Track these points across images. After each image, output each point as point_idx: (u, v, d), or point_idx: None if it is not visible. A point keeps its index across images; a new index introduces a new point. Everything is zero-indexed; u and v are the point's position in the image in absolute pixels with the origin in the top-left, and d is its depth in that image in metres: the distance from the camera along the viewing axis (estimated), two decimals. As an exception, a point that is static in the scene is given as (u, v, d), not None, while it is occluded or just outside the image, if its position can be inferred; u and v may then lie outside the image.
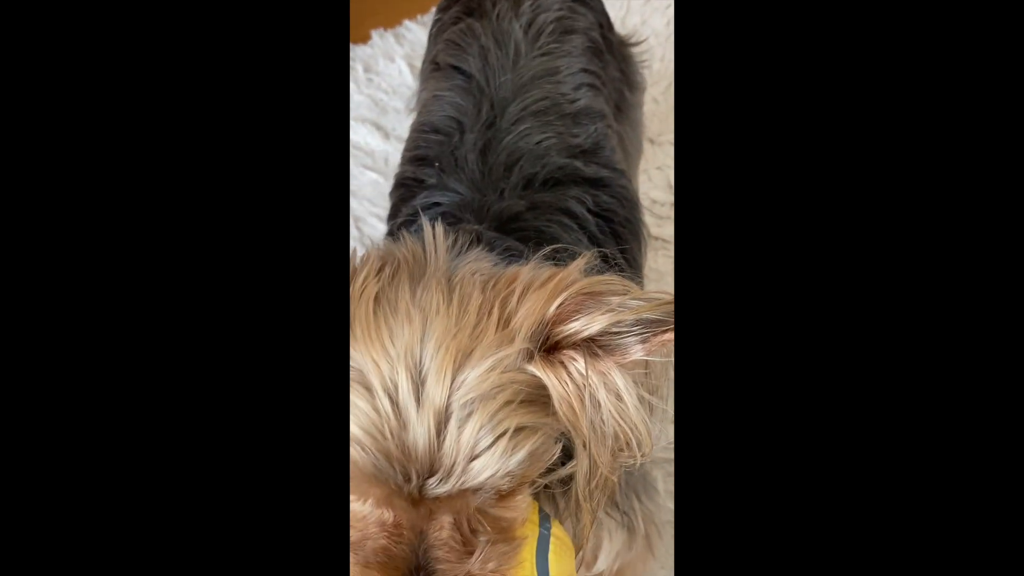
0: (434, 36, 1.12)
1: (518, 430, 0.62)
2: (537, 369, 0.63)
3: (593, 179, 0.96)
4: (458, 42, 1.05)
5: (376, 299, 0.64)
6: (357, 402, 0.61)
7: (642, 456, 0.66)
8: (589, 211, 0.93)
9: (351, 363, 0.62)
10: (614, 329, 0.62)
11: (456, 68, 1.03)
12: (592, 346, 0.63)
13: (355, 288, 0.64)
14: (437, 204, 0.91)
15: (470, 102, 0.99)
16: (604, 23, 1.12)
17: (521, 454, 0.62)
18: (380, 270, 0.66)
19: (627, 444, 0.65)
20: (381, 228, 1.50)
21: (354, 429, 0.61)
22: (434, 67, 1.07)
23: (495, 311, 0.64)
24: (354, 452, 0.61)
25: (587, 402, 0.63)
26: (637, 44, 1.17)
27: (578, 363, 0.63)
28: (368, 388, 0.61)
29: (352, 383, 0.61)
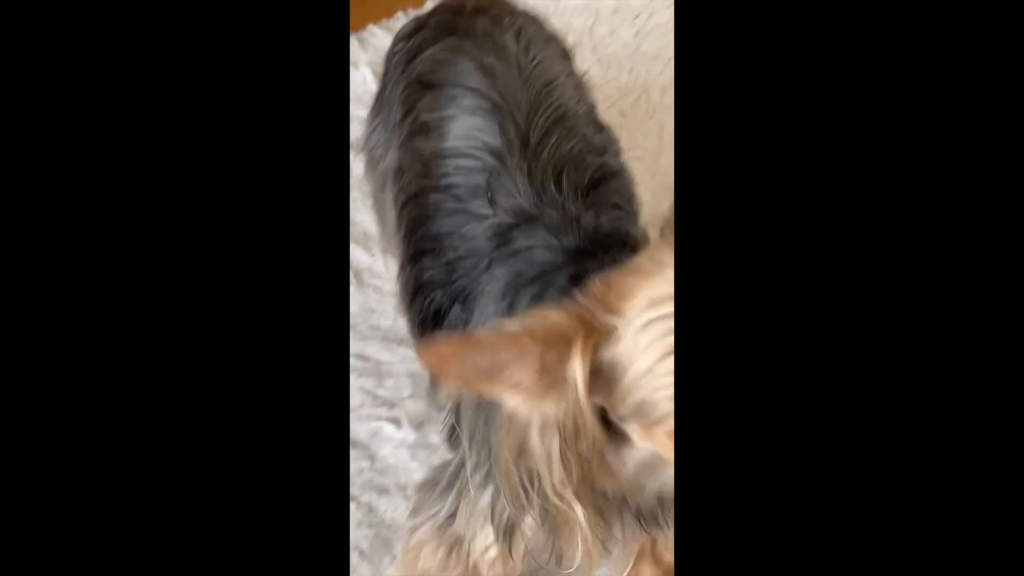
0: (404, 62, 1.09)
1: None
2: None
3: (618, 172, 1.04)
4: (448, 60, 1.04)
5: None
6: None
7: None
8: (623, 202, 1.01)
9: None
10: None
11: (459, 86, 1.02)
12: None
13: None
14: (529, 248, 0.92)
15: (491, 122, 0.99)
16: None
17: None
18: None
19: None
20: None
21: None
22: (421, 86, 1.05)
23: None
24: None
25: None
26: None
27: None
28: None
29: None
